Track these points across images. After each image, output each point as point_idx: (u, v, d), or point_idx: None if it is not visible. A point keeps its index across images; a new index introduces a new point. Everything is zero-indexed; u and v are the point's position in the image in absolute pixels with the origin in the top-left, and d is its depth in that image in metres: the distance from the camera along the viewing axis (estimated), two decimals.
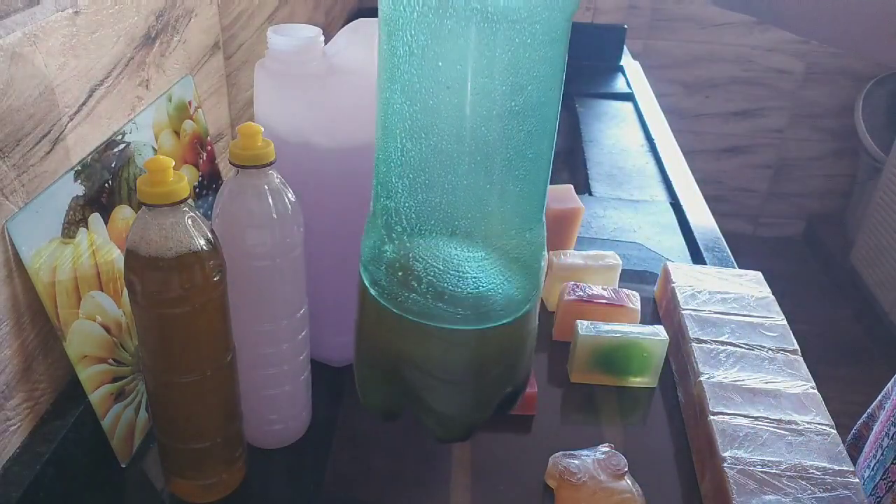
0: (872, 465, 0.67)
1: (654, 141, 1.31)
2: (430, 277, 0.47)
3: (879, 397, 0.77)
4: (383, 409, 0.55)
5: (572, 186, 0.88)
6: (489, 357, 0.50)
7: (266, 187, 0.52)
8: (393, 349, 0.50)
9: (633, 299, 0.75)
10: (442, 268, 0.47)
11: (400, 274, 0.48)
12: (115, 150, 0.59)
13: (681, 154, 1.26)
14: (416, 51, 0.42)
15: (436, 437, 0.53)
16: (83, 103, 0.56)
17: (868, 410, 0.78)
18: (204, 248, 0.46)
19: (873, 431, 0.71)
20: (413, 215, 0.46)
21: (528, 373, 0.55)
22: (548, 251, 0.73)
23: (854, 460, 0.73)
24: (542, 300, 0.77)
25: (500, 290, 0.48)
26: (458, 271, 0.47)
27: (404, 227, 0.47)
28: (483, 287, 0.47)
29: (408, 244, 0.47)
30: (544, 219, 0.50)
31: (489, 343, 0.49)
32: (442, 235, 0.46)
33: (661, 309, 0.80)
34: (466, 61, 0.41)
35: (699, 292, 0.75)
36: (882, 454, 0.66)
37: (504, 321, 0.48)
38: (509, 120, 0.43)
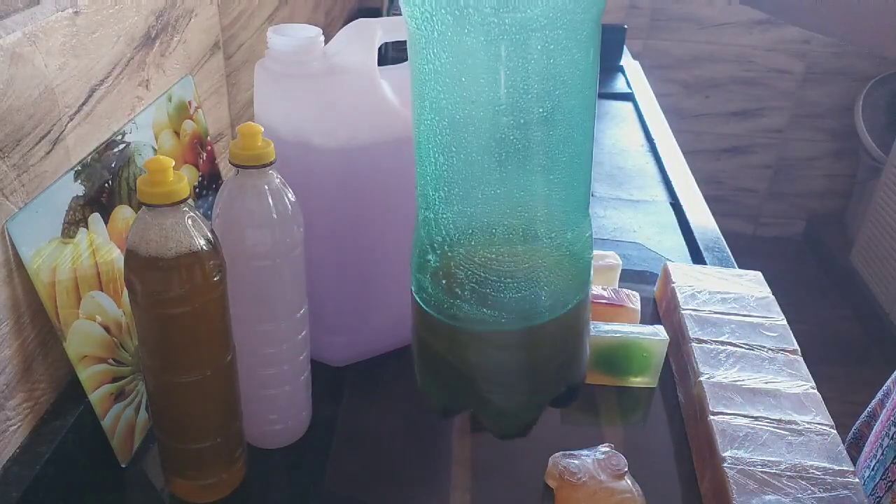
0: (872, 464, 0.67)
1: (654, 141, 1.31)
2: (472, 284, 0.47)
3: (879, 395, 0.77)
4: (445, 409, 0.57)
5: None
6: (540, 354, 0.51)
7: (266, 187, 0.52)
8: (445, 354, 0.51)
9: (633, 299, 0.75)
10: (483, 275, 0.47)
11: (444, 282, 0.49)
12: (115, 150, 0.59)
13: (681, 154, 1.26)
14: (439, 68, 0.42)
15: (494, 435, 0.55)
16: (83, 103, 0.56)
17: (868, 409, 0.78)
18: (204, 248, 0.46)
19: (874, 431, 0.71)
20: (451, 225, 0.47)
21: (584, 366, 0.56)
22: None
23: (855, 460, 0.73)
24: None
25: (544, 290, 0.48)
26: (499, 277, 0.47)
27: (444, 237, 0.47)
28: (526, 290, 0.48)
29: (449, 253, 0.48)
30: (590, 214, 0.50)
31: (538, 340, 0.50)
32: (481, 243, 0.47)
33: (661, 309, 0.80)
34: (489, 75, 0.41)
35: (699, 292, 0.75)
36: (882, 454, 0.66)
37: (550, 318, 0.49)
38: (539, 126, 0.43)
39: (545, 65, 0.41)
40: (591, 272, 0.52)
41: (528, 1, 0.38)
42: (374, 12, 1.64)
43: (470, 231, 0.47)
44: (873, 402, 0.77)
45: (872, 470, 0.67)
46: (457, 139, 0.44)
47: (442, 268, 0.49)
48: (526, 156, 0.43)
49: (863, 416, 0.78)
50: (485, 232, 0.46)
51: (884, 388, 0.76)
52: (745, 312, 0.73)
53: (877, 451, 0.68)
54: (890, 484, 0.64)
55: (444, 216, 0.47)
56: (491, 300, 0.47)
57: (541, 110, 0.42)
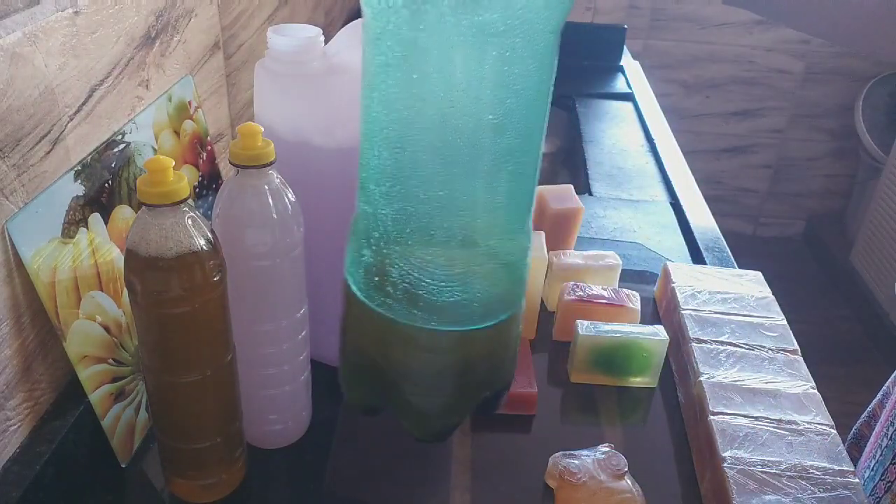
0: (872, 465, 0.67)
1: (654, 141, 1.31)
2: (405, 284, 0.46)
3: (879, 396, 0.77)
4: (364, 405, 0.56)
5: (572, 186, 0.88)
6: (467, 361, 0.50)
7: (266, 187, 0.52)
8: (373, 347, 0.50)
9: (633, 299, 0.75)
10: (417, 275, 0.46)
11: (377, 279, 0.48)
12: (115, 150, 0.59)
13: (681, 154, 1.26)
14: (391, 61, 0.41)
15: (414, 437, 0.54)
16: (83, 103, 0.56)
17: (868, 409, 0.78)
18: (204, 248, 0.46)
19: (874, 432, 0.71)
20: (389, 222, 0.46)
21: (509, 377, 0.55)
22: (548, 251, 0.73)
23: (855, 460, 0.73)
24: (542, 300, 0.77)
25: (478, 298, 0.47)
26: (433, 279, 0.46)
27: (381, 234, 0.47)
28: (459, 295, 0.47)
29: (384, 250, 0.47)
30: (530, 226, 0.49)
31: (466, 347, 0.49)
32: (418, 243, 0.46)
33: (661, 309, 0.80)
34: (441, 75, 0.40)
35: (699, 292, 0.75)
36: (881, 454, 0.66)
37: (481, 326, 0.48)
38: (487, 133, 0.42)
39: (499, 72, 0.40)
40: (526, 286, 0.51)
41: (487, 4, 0.37)
42: None
43: (408, 230, 0.46)
44: (873, 403, 0.77)
45: (872, 470, 0.67)
46: (403, 136, 0.43)
47: (376, 264, 0.48)
48: (471, 161, 0.42)
49: (863, 416, 0.78)
50: (423, 232, 0.45)
51: (883, 388, 0.76)
52: (745, 312, 0.73)
53: (876, 452, 0.68)
54: (889, 484, 0.65)
55: (384, 212, 0.46)
56: (422, 302, 0.46)
57: (491, 117, 0.41)
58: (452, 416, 0.53)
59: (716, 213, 1.05)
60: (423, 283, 0.46)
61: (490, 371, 0.52)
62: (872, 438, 0.70)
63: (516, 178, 0.45)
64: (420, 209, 0.45)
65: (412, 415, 0.52)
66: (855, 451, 0.76)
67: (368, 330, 0.50)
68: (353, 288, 0.50)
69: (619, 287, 0.78)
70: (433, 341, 0.48)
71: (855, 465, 0.72)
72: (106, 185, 0.57)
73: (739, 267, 0.86)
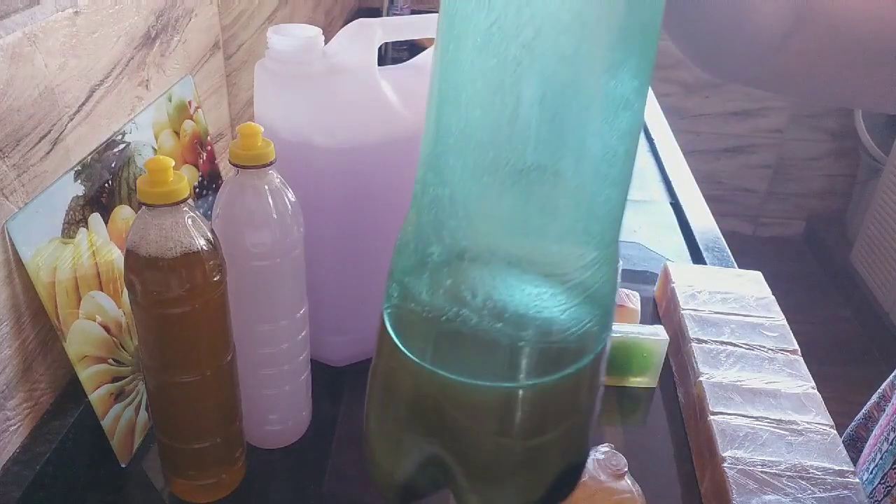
0: (871, 468, 0.67)
1: (654, 141, 1.31)
2: (489, 289, 0.35)
3: (875, 398, 0.76)
4: (403, 491, 0.43)
5: None
6: (546, 416, 0.38)
7: (266, 187, 0.52)
8: (421, 413, 0.39)
9: (633, 299, 0.75)
10: (501, 285, 0.35)
11: (449, 282, 0.36)
12: (115, 150, 0.59)
13: (681, 154, 1.26)
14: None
15: None
16: (83, 103, 0.56)
17: (864, 411, 0.77)
18: (204, 248, 0.46)
19: (873, 434, 0.71)
20: (473, 203, 0.35)
21: (589, 443, 0.41)
22: None
23: (862, 439, 0.73)
24: None
25: (563, 321, 0.36)
26: (518, 288, 0.35)
27: (462, 218, 0.36)
28: (545, 314, 0.36)
29: (463, 244, 0.36)
30: (619, 249, 0.40)
31: (550, 397, 0.37)
32: (506, 233, 0.35)
33: (661, 309, 0.80)
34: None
35: (699, 292, 0.75)
36: (881, 458, 0.66)
37: (567, 371, 0.37)
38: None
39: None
40: (613, 319, 0.40)
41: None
42: (374, 12, 1.64)
43: (498, 212, 0.35)
44: (868, 405, 0.77)
45: (871, 473, 0.67)
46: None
47: (451, 263, 0.36)
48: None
49: (858, 417, 0.78)
50: (514, 218, 0.35)
51: (879, 390, 0.76)
52: (745, 312, 0.73)
53: (875, 455, 0.67)
54: (888, 488, 0.64)
55: (468, 189, 0.35)
56: (509, 314, 0.35)
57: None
58: (524, 498, 0.40)
59: (716, 213, 1.05)
60: (509, 283, 0.36)
61: (570, 434, 0.40)
62: (871, 441, 0.70)
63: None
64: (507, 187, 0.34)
65: (473, 499, 0.40)
66: (851, 452, 0.76)
67: (413, 391, 0.38)
68: (397, 335, 0.38)
69: (619, 287, 0.78)
70: (503, 394, 0.36)
71: (861, 444, 0.72)
72: (106, 185, 0.57)
73: (739, 267, 0.86)
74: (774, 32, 0.45)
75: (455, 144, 0.35)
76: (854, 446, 0.76)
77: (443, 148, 0.36)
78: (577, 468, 0.41)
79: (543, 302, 0.36)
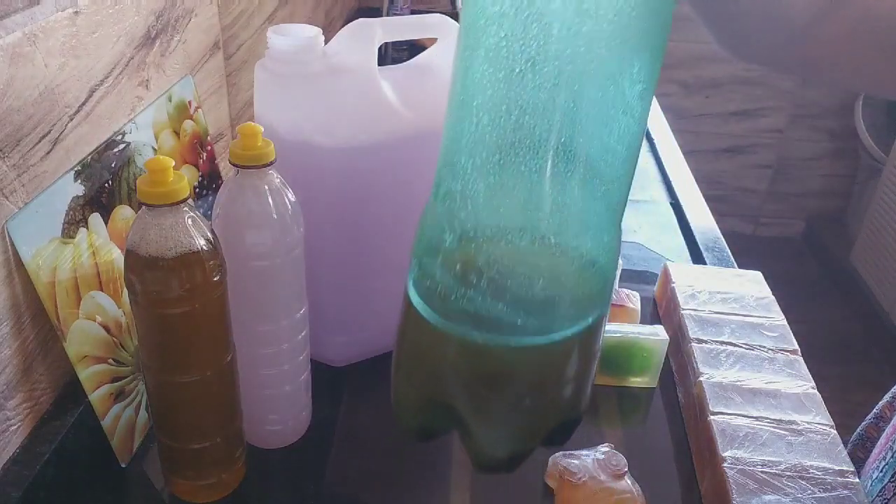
0: (881, 466, 0.67)
1: (654, 141, 1.31)
2: (492, 273, 0.40)
3: (888, 398, 0.76)
4: (420, 431, 0.50)
5: None
6: (547, 376, 0.44)
7: (266, 187, 0.52)
8: (438, 368, 0.44)
9: (633, 299, 0.75)
10: (508, 263, 0.40)
11: (458, 267, 0.41)
12: (115, 150, 0.59)
13: (681, 154, 1.26)
14: (506, 10, 0.36)
15: (474, 466, 0.47)
16: (83, 103, 0.56)
17: (875, 411, 0.77)
18: (204, 248, 0.46)
19: (884, 434, 0.71)
20: (480, 200, 0.40)
21: (586, 401, 0.48)
22: None
23: (859, 461, 0.73)
24: None
25: (568, 295, 0.42)
26: (523, 269, 0.41)
27: (469, 212, 0.41)
28: (550, 290, 0.41)
29: (472, 233, 0.41)
30: (622, 227, 0.44)
31: (549, 358, 0.43)
32: (510, 228, 0.41)
33: (661, 309, 0.80)
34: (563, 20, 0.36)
35: (699, 292, 0.75)
36: (892, 457, 0.66)
37: (569, 333, 0.42)
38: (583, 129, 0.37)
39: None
40: (612, 293, 0.46)
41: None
42: (374, 12, 1.64)
43: (500, 209, 0.40)
44: (881, 404, 0.77)
45: (881, 472, 0.67)
46: (508, 97, 0.38)
47: (460, 248, 0.42)
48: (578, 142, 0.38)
49: (869, 417, 0.78)
50: (515, 217, 0.40)
51: (892, 390, 0.76)
52: (745, 312, 0.73)
53: (886, 454, 0.67)
54: None
55: (475, 188, 0.40)
56: (511, 295, 0.40)
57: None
58: (521, 446, 0.47)
59: (716, 213, 1.05)
60: (514, 272, 0.41)
61: (567, 390, 0.46)
62: (883, 440, 0.70)
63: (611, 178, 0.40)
64: (517, 188, 0.39)
65: (477, 443, 0.46)
66: (860, 451, 0.75)
67: (433, 346, 0.44)
68: (418, 301, 0.44)
69: (619, 287, 0.78)
70: (510, 356, 0.42)
71: (860, 466, 0.72)
72: (106, 185, 0.57)
73: (739, 267, 0.86)
74: (806, 16, 0.45)
75: (467, 146, 0.40)
76: (863, 446, 0.76)
77: (456, 147, 0.40)
78: (573, 423, 0.47)
79: (545, 280, 0.41)
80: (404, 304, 0.46)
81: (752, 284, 0.78)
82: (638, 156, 0.41)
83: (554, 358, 0.43)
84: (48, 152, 0.52)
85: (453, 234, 0.42)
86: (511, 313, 0.41)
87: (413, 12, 1.46)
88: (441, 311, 0.42)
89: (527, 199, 0.40)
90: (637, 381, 0.70)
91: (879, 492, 0.65)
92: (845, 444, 0.60)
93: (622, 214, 0.43)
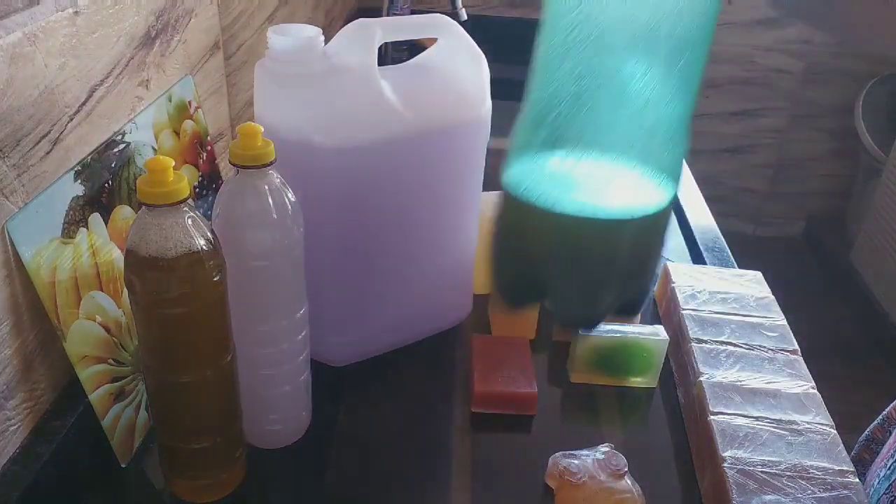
0: (889, 464, 0.67)
1: None
2: (578, 162, 0.50)
3: (879, 420, 0.77)
4: (514, 302, 0.61)
5: None
6: (617, 252, 0.53)
7: (266, 187, 0.52)
8: (533, 245, 0.54)
9: None
10: (589, 166, 0.49)
11: (546, 163, 0.51)
12: (115, 150, 0.59)
13: None
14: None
15: (559, 324, 0.66)
16: (83, 103, 0.56)
17: (884, 413, 0.77)
18: (204, 248, 0.46)
19: (893, 434, 0.71)
20: (570, 98, 0.49)
21: (653, 280, 0.63)
22: None
23: (865, 462, 0.73)
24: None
25: (646, 180, 0.51)
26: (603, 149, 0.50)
27: (560, 109, 0.50)
28: (633, 168, 0.51)
29: (561, 129, 0.50)
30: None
31: (623, 237, 0.52)
32: (593, 124, 0.50)
33: (661, 309, 0.80)
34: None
35: (699, 292, 0.75)
36: None
37: (645, 214, 0.51)
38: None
39: None
40: (679, 188, 0.55)
41: None
42: (374, 12, 1.64)
43: (587, 106, 0.49)
44: (889, 408, 0.77)
45: (888, 469, 0.67)
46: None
47: (546, 148, 0.51)
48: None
49: (877, 420, 0.78)
50: (598, 114, 0.49)
51: (884, 413, 0.76)
52: (745, 312, 0.73)
53: (895, 453, 0.68)
54: None
55: (566, 88, 0.49)
56: (595, 180, 0.50)
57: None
58: (599, 308, 0.56)
59: (716, 213, 1.05)
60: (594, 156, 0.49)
61: (635, 269, 0.55)
62: (891, 440, 0.70)
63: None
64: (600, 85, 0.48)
65: (561, 306, 0.56)
66: (866, 453, 0.75)
67: (527, 230, 0.54)
68: (514, 188, 0.53)
69: None
70: (593, 229, 0.51)
71: (866, 467, 0.72)
72: (106, 185, 0.57)
73: (739, 267, 0.86)
74: None
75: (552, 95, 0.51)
76: (868, 447, 0.76)
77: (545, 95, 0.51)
78: (643, 295, 0.58)
79: (623, 177, 0.50)
80: (502, 198, 0.54)
81: (752, 284, 0.78)
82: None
83: (633, 234, 0.52)
84: (48, 152, 0.52)
85: (542, 136, 0.51)
86: (597, 194, 0.50)
87: (413, 12, 1.46)
88: (535, 195, 0.51)
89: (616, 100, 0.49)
90: (637, 382, 0.70)
91: (886, 490, 0.65)
92: (846, 444, 0.60)
93: (688, 126, 0.52)
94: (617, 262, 0.53)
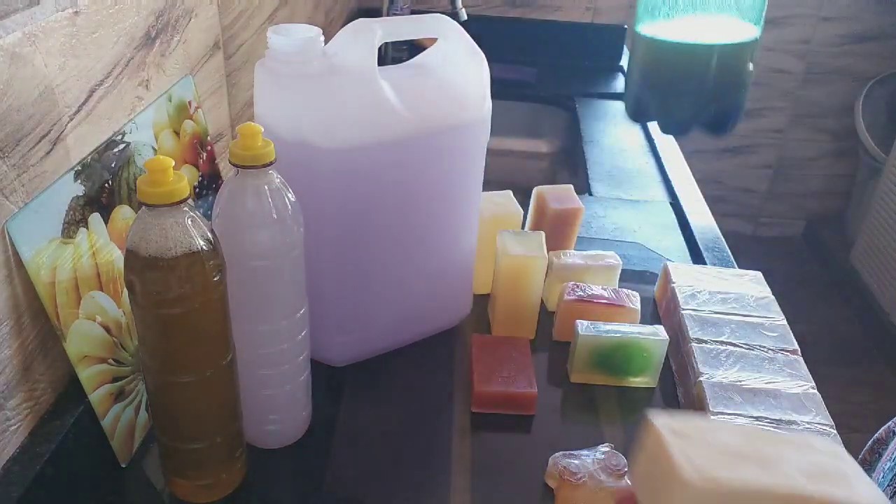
0: (894, 455, 0.68)
1: (654, 141, 1.31)
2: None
3: (870, 444, 0.77)
4: (644, 116, 0.89)
5: (572, 186, 0.88)
6: (709, 70, 0.77)
7: (266, 187, 0.52)
8: (655, 68, 0.80)
9: (633, 299, 0.75)
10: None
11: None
12: (115, 150, 0.59)
13: (681, 154, 1.26)
14: None
15: (662, 130, 0.90)
16: (83, 103, 0.56)
17: (892, 421, 0.78)
18: (204, 248, 0.46)
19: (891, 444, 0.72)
20: None
21: (743, 103, 0.85)
22: (548, 251, 0.73)
23: (870, 463, 0.73)
24: (542, 300, 0.77)
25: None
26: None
27: None
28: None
29: None
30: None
31: (715, 59, 0.77)
32: None
33: (661, 309, 0.80)
34: None
35: (699, 292, 0.75)
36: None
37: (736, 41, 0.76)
38: None
39: None
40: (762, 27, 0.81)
41: None
42: (374, 12, 1.64)
43: None
44: (864, 450, 0.78)
45: (893, 461, 0.68)
46: None
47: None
48: None
49: (890, 423, 0.78)
50: None
51: (875, 435, 0.77)
52: (745, 312, 0.73)
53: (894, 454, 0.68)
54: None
55: None
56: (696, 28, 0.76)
57: None
58: (693, 113, 0.79)
59: (716, 213, 1.05)
60: None
61: (726, 85, 0.79)
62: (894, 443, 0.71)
63: None
64: None
65: (666, 108, 0.79)
66: (872, 455, 0.76)
67: (651, 58, 0.79)
68: (647, 29, 0.77)
69: (619, 287, 0.78)
70: (696, 53, 0.76)
71: (872, 467, 0.72)
72: (106, 185, 0.57)
73: (739, 267, 0.86)
74: None
75: None
76: (873, 449, 0.76)
77: None
78: (736, 112, 0.87)
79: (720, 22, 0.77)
80: (633, 39, 0.80)
81: (752, 284, 0.78)
82: None
83: (728, 58, 0.77)
84: (48, 152, 0.52)
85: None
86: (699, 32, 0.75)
87: (413, 12, 1.46)
88: (659, 28, 0.76)
89: None
90: (637, 381, 0.70)
91: (890, 480, 0.66)
92: (846, 444, 0.60)
93: None
94: (713, 78, 0.76)
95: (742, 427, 0.43)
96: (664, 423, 0.40)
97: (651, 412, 0.40)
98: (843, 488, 0.37)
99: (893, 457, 0.68)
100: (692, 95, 0.80)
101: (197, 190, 0.72)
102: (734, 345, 0.68)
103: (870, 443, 0.78)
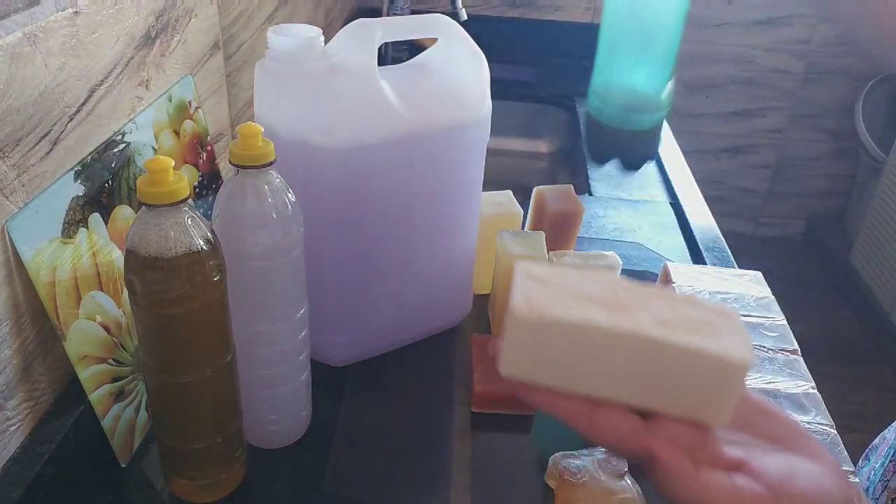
0: (891, 453, 0.68)
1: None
2: None
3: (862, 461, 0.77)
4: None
5: (572, 186, 0.88)
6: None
7: (266, 187, 0.52)
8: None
9: None
10: None
11: None
12: (115, 150, 0.59)
13: (681, 154, 1.26)
14: None
15: None
16: (83, 103, 0.56)
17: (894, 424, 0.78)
18: (204, 248, 0.46)
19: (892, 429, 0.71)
20: None
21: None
22: (548, 251, 0.73)
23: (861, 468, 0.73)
24: None
25: None
26: None
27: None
28: None
29: None
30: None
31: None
32: None
33: None
34: None
35: (699, 292, 0.75)
36: (889, 455, 0.67)
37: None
38: None
39: None
40: None
41: None
42: (374, 12, 1.64)
43: None
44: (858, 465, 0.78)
45: (884, 458, 0.68)
46: None
47: None
48: None
49: (894, 425, 0.78)
50: None
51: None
52: (745, 312, 0.73)
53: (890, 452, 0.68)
54: (886, 483, 0.65)
55: None
56: None
57: None
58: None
59: (716, 213, 1.05)
60: None
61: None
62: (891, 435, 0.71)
63: None
64: None
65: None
66: (871, 454, 0.76)
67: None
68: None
69: None
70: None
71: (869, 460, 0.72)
72: (106, 185, 0.57)
73: (739, 267, 0.86)
74: None
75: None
76: (877, 449, 0.77)
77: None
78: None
79: None
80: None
81: (752, 284, 0.78)
82: None
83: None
84: (48, 152, 0.52)
85: None
86: None
87: (413, 12, 1.46)
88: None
89: None
90: None
91: (881, 476, 0.66)
92: (846, 444, 0.60)
93: None
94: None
95: (619, 280, 0.38)
96: (524, 267, 0.37)
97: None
98: (700, 337, 0.33)
99: (889, 454, 0.68)
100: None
101: (197, 190, 0.72)
102: None
103: (866, 451, 0.78)
